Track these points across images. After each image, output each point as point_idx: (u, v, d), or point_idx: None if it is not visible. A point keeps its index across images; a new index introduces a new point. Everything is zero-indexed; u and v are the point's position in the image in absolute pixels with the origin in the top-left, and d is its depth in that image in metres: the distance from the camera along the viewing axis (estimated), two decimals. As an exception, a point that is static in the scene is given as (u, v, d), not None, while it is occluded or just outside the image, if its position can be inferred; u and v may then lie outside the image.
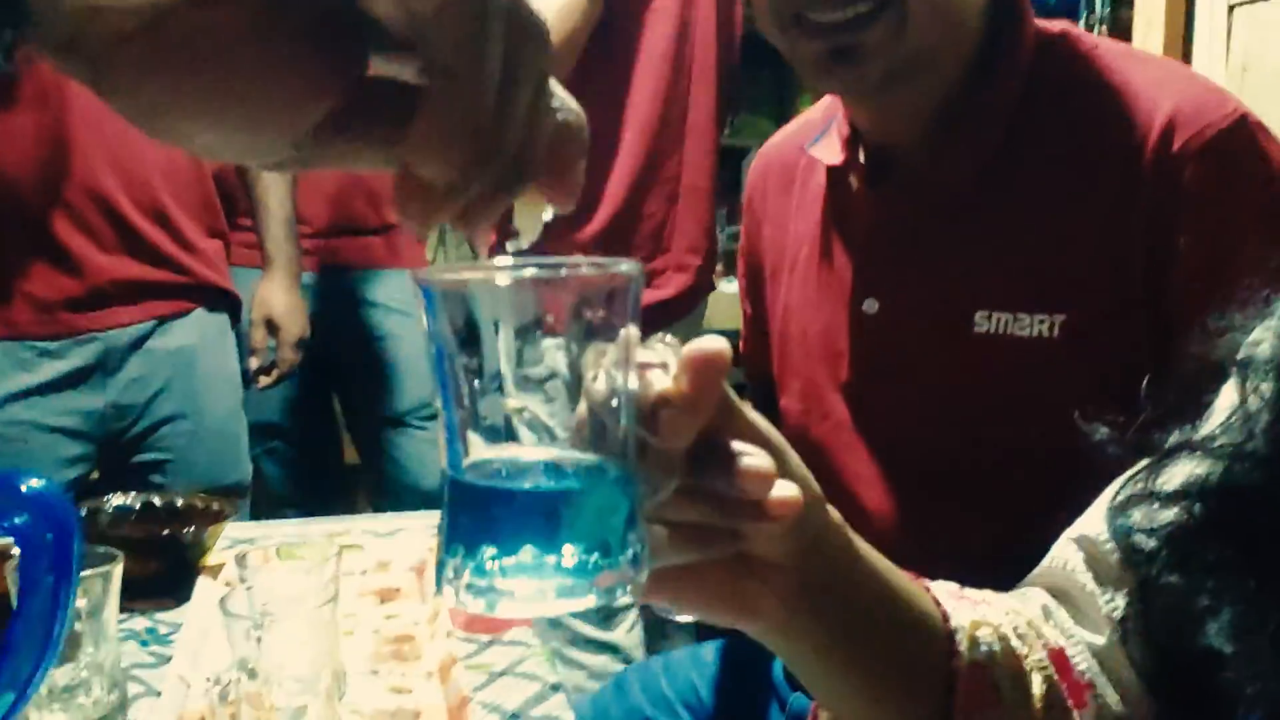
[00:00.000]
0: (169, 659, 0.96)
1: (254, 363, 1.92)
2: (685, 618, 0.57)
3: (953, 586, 0.66)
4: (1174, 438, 0.64)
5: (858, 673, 0.60)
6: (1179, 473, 0.62)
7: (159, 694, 0.91)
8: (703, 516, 0.49)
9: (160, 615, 1.09)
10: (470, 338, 0.42)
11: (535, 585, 0.42)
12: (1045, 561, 0.71)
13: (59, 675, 0.85)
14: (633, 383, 0.44)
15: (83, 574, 0.81)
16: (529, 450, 0.44)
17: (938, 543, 0.84)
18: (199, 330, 1.77)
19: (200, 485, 1.64)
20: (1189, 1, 1.60)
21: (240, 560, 0.91)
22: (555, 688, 0.92)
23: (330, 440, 2.45)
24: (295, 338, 1.92)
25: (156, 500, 1.21)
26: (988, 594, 0.68)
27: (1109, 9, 1.94)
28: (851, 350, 0.99)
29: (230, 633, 0.79)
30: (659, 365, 0.46)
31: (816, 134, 1.04)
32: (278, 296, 1.89)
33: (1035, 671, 0.64)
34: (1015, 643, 0.64)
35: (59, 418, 1.66)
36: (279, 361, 1.93)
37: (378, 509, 2.14)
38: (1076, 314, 0.87)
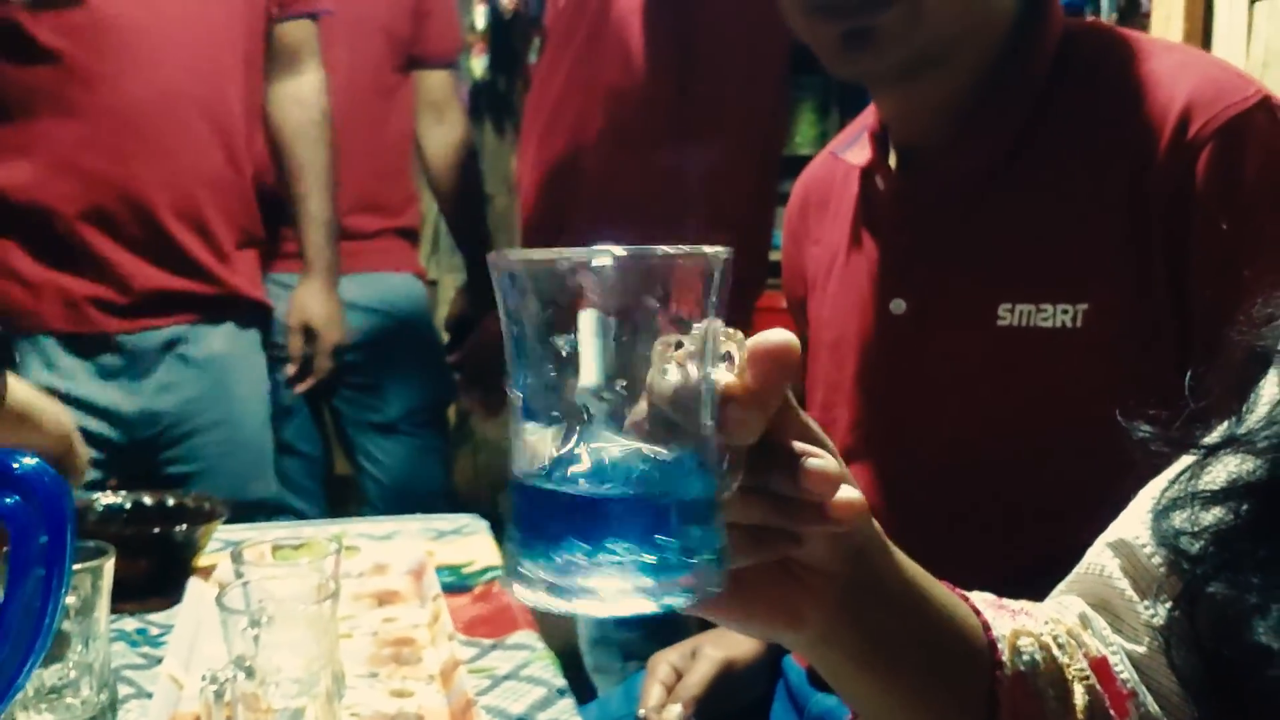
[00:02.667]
0: (160, 660, 0.93)
1: (290, 369, 1.88)
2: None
3: (990, 596, 0.64)
4: (1217, 433, 0.61)
5: (898, 684, 0.58)
6: (1223, 471, 0.60)
7: (150, 695, 0.87)
8: (763, 518, 0.47)
9: (150, 616, 1.05)
10: (546, 322, 0.40)
11: (619, 584, 0.41)
12: (1080, 568, 0.68)
13: (46, 675, 0.81)
14: (716, 375, 0.42)
15: (72, 569, 0.78)
16: (607, 444, 0.42)
17: (961, 553, 0.81)
18: (230, 341, 1.73)
19: (224, 499, 1.61)
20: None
21: (236, 556, 0.88)
22: (561, 692, 0.89)
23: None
24: (332, 345, 1.87)
25: (147, 499, 1.17)
26: (1025, 604, 0.66)
27: (1115, 13, 1.93)
28: (879, 353, 0.97)
29: (227, 630, 0.77)
30: (722, 358, 0.44)
31: (849, 141, 1.04)
32: (316, 302, 1.84)
33: (1077, 681, 0.62)
34: (1056, 652, 0.62)
35: (84, 418, 1.60)
36: (315, 369, 1.88)
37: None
38: (1098, 303, 0.85)
